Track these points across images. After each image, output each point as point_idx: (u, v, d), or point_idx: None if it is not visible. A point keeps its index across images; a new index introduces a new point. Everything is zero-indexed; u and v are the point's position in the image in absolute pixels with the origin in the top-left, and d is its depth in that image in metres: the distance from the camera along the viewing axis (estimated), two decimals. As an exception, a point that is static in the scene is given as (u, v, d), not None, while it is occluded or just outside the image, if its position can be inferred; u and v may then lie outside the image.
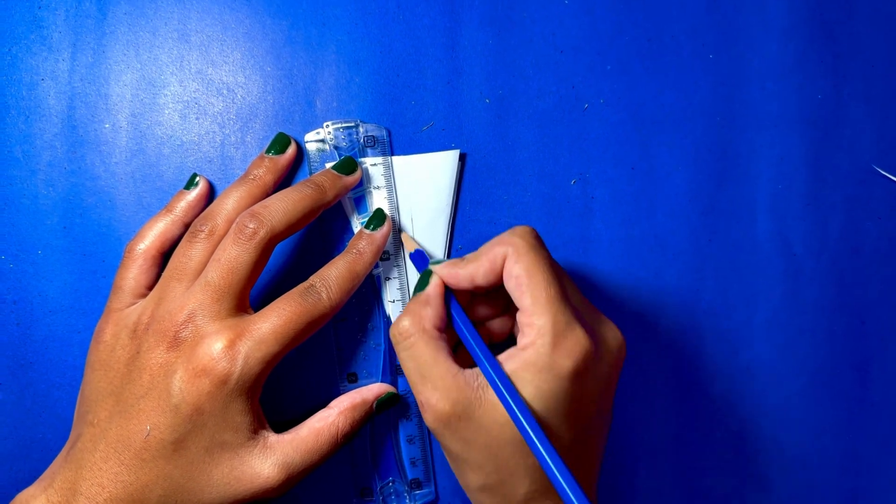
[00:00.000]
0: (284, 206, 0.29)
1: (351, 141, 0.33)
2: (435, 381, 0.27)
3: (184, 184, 0.33)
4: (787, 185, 0.37)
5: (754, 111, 0.37)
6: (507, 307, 0.32)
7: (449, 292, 0.30)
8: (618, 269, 0.36)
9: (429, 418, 0.27)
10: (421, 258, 0.32)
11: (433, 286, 0.29)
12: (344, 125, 0.33)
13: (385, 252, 0.33)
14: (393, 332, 0.29)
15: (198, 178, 0.33)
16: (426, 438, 0.34)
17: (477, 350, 0.27)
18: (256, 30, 0.34)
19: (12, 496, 0.33)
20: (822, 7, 0.37)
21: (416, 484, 0.34)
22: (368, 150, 0.33)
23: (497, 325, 0.32)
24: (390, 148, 0.34)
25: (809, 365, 0.37)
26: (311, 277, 0.30)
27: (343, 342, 0.33)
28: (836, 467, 0.37)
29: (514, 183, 0.35)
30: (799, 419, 0.37)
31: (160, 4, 0.34)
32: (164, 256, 0.32)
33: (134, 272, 0.31)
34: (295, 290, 0.29)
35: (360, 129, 0.33)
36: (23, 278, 0.33)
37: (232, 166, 0.34)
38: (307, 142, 0.33)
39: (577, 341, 0.26)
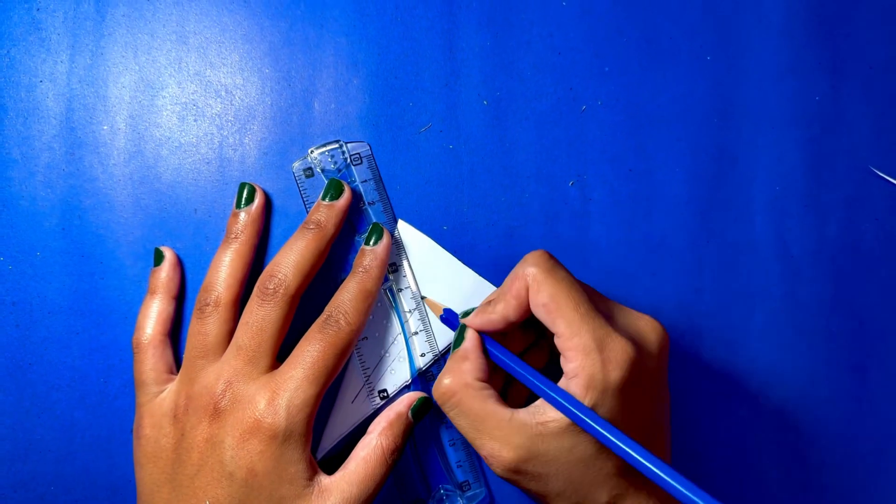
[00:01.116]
0: (295, 257, 0.30)
1: (336, 162, 0.33)
2: (492, 432, 0.27)
3: (180, 178, 0.33)
4: (785, 187, 0.37)
5: (752, 112, 0.37)
6: (542, 334, 0.32)
7: (486, 337, 0.30)
8: (616, 270, 0.36)
9: (497, 470, 0.27)
10: (452, 316, 0.32)
11: (469, 339, 0.30)
12: (328, 148, 0.33)
13: (392, 264, 0.34)
14: (436, 393, 0.29)
15: (162, 250, 0.33)
16: None
17: (534, 380, 0.27)
18: (255, 32, 0.34)
19: (11, 498, 0.33)
20: (819, 8, 0.37)
21: (466, 485, 0.34)
22: (354, 168, 0.33)
23: (534, 355, 0.33)
24: (374, 161, 0.34)
25: (807, 366, 0.37)
26: (326, 308, 0.30)
27: (368, 361, 0.33)
28: (834, 468, 0.37)
29: (512, 185, 0.35)
30: (797, 420, 0.37)
31: (158, 6, 0.34)
32: (170, 336, 0.33)
33: (150, 363, 0.31)
34: (314, 326, 0.30)
35: (344, 149, 0.33)
36: (21, 280, 0.33)
37: (230, 168, 0.34)
38: (294, 171, 0.33)
39: (621, 350, 0.26)
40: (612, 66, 0.36)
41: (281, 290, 0.29)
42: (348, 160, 0.33)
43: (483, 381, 0.28)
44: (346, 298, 0.30)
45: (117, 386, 0.33)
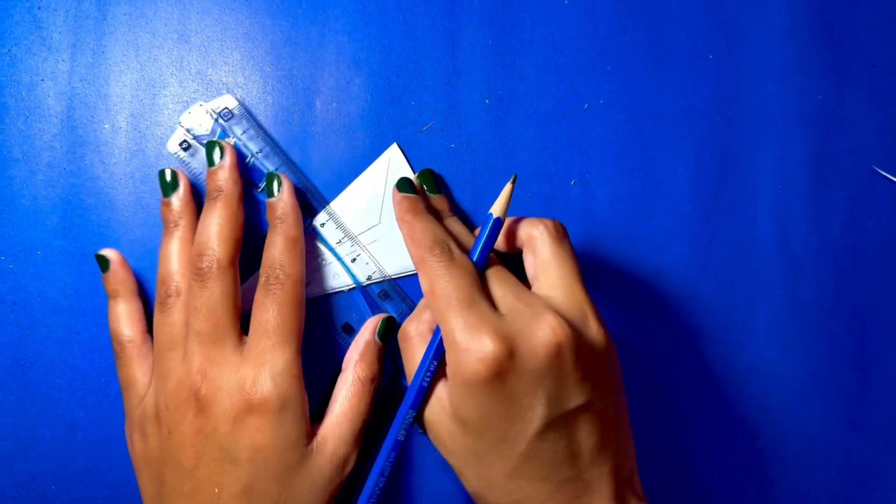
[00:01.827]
0: (214, 228, 0.29)
1: (204, 125, 0.33)
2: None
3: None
4: (788, 186, 0.37)
5: (755, 111, 0.37)
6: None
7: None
8: (618, 269, 0.36)
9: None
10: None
11: None
12: (189, 115, 0.33)
13: (303, 205, 0.33)
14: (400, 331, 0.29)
15: (104, 255, 0.32)
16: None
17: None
18: (256, 30, 0.34)
19: (12, 497, 0.33)
20: (822, 7, 0.37)
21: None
22: (232, 125, 0.33)
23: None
24: (245, 109, 0.33)
25: (810, 365, 0.37)
26: (261, 269, 0.30)
27: (318, 301, 0.34)
28: (836, 467, 0.37)
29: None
30: (799, 419, 0.36)
31: (160, 5, 0.34)
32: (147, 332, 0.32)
33: (136, 363, 0.31)
34: (258, 291, 0.30)
35: (209, 109, 0.33)
36: (22, 279, 0.33)
37: (231, 167, 0.34)
38: (173, 153, 0.33)
39: (479, 343, 0.25)
40: (615, 65, 0.36)
41: (214, 265, 0.29)
42: (216, 118, 0.33)
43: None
44: (276, 252, 0.30)
45: (118, 386, 0.33)
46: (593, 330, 0.27)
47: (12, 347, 0.33)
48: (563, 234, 0.29)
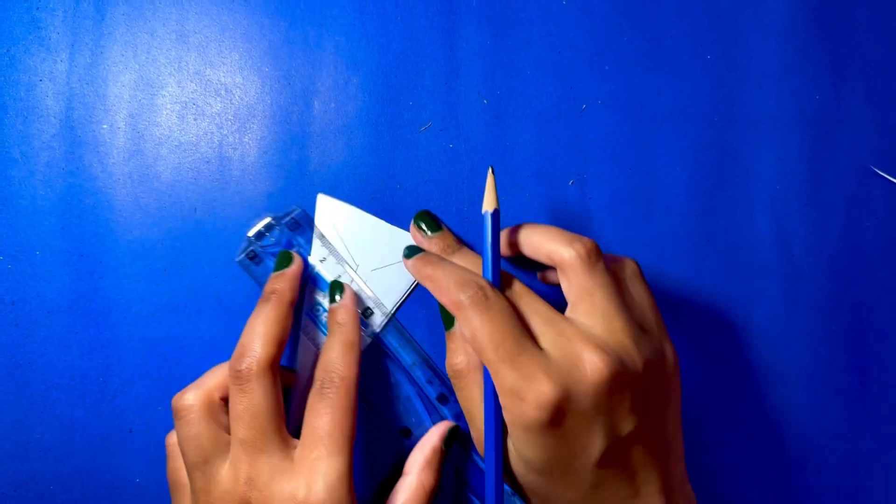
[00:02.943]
0: (258, 329, 0.29)
1: (275, 236, 0.33)
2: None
3: (179, 177, 0.34)
4: (786, 186, 0.37)
5: (753, 111, 0.37)
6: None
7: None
8: (616, 269, 0.36)
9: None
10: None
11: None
12: (262, 225, 0.33)
13: (364, 310, 0.34)
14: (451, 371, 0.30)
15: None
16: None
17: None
18: (254, 30, 0.34)
19: (11, 497, 0.33)
20: (820, 7, 0.37)
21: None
22: (297, 236, 0.33)
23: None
24: (310, 218, 0.34)
25: (808, 365, 0.37)
26: (315, 374, 0.29)
27: (377, 406, 0.34)
28: (835, 466, 0.37)
29: (512, 184, 0.35)
30: (798, 419, 0.36)
31: (158, 5, 0.34)
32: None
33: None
34: (311, 397, 0.29)
35: (278, 223, 0.33)
36: (21, 279, 0.33)
37: (230, 167, 0.34)
38: (240, 263, 0.33)
39: (535, 394, 0.25)
40: (613, 65, 0.36)
41: (255, 367, 0.28)
42: (284, 231, 0.33)
43: None
44: (333, 356, 0.29)
45: (116, 385, 0.33)
46: (636, 359, 0.27)
47: (11, 347, 0.33)
48: (596, 258, 0.28)
